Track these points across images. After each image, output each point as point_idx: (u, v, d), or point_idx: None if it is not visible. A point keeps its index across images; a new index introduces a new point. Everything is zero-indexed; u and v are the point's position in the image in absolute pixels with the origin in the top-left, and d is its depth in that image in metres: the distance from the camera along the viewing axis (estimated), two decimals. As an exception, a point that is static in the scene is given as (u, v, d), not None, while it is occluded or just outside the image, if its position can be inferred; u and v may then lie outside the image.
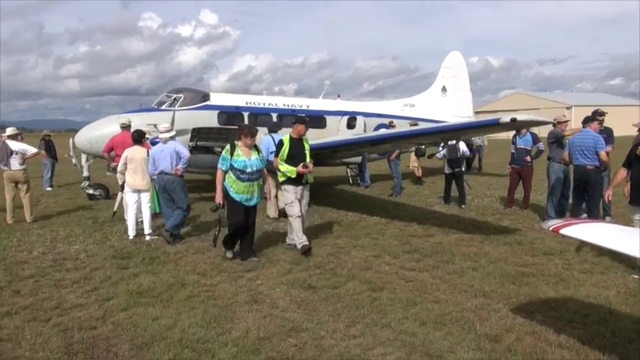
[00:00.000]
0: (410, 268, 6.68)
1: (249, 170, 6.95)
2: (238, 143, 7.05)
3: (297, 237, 7.41)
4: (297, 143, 7.44)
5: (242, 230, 7.15)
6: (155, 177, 8.45)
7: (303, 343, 4.52)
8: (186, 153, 8.37)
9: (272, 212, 10.49)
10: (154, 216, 8.90)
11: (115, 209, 9.94)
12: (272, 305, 5.39)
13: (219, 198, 7.02)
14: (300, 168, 7.33)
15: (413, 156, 15.60)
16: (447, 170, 11.95)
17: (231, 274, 6.49)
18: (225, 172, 7.03)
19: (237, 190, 6.98)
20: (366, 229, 9.07)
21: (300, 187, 7.53)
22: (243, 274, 6.51)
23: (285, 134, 8.09)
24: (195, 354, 4.28)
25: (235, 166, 6.93)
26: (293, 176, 7.38)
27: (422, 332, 4.68)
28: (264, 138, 10.75)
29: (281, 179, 7.56)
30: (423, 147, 14.65)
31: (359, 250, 7.55)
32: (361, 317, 5.05)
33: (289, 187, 7.50)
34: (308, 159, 7.50)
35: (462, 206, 11.48)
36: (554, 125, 10.05)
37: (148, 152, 8.61)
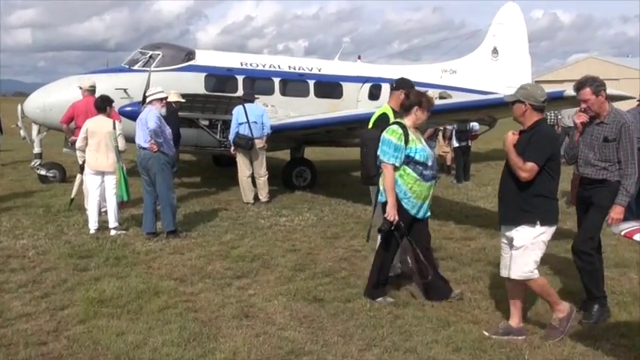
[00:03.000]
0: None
1: (430, 163, 5.92)
2: (407, 122, 5.91)
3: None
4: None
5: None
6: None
7: (304, 369, 4.55)
8: (150, 124, 8.25)
9: (249, 197, 11.27)
10: (121, 205, 8.90)
11: (72, 195, 9.97)
12: (267, 321, 5.42)
13: (393, 212, 5.72)
14: None
15: (441, 140, 15.66)
16: (455, 144, 14.45)
17: (217, 280, 6.55)
18: (398, 169, 5.79)
19: (419, 195, 5.85)
20: (390, 228, 9.09)
21: None
22: (231, 281, 6.57)
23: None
24: (170, 379, 4.35)
25: (417, 158, 5.78)
26: None
27: (455, 360, 4.72)
28: (236, 108, 11.30)
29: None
30: (452, 127, 14.82)
31: (379, 254, 7.64)
32: (379, 339, 5.06)
33: None
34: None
35: (462, 182, 14.03)
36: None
37: (114, 124, 8.66)
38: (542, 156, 4.92)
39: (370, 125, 6.69)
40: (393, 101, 6.67)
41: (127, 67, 13.21)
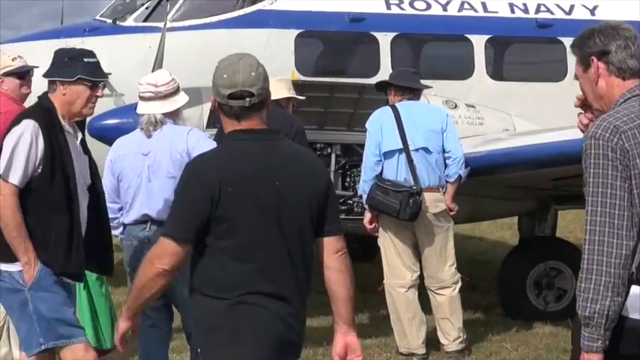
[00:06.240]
0: None
1: None
2: None
3: None
4: None
5: None
6: (121, 234, 7.90)
7: None
8: None
9: (415, 339, 9.33)
10: (99, 353, 7.73)
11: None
12: None
13: None
14: None
15: None
16: None
17: None
18: None
19: None
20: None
21: None
22: None
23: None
24: None
25: None
26: None
27: None
28: (374, 114, 9.57)
29: None
30: None
31: None
32: None
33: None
34: None
35: None
36: None
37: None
38: (176, 216, 3.88)
39: None
40: None
41: (110, 21, 11.69)
